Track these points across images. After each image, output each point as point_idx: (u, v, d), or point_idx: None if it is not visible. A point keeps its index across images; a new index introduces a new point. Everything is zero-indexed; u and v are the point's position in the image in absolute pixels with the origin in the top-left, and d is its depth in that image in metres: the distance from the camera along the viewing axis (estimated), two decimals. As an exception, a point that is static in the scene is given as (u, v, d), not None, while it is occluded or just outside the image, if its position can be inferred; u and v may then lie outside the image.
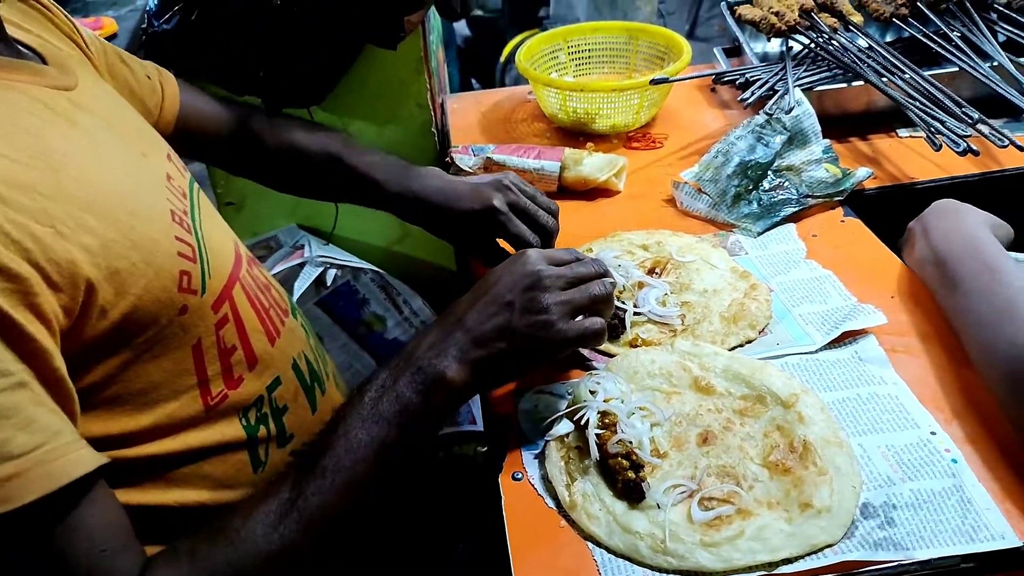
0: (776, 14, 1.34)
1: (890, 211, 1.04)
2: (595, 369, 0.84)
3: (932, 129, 1.08)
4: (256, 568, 0.60)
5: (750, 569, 0.64)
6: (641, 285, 0.94)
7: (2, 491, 0.50)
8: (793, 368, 0.82)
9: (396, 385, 0.67)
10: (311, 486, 0.63)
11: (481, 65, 3.30)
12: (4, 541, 0.53)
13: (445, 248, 1.37)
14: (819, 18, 1.32)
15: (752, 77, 1.27)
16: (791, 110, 1.15)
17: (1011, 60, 1.17)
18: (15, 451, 0.51)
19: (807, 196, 1.08)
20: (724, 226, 1.08)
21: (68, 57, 0.75)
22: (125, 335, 0.62)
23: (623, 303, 0.91)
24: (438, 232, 0.98)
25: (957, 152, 1.04)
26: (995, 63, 1.18)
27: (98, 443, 0.60)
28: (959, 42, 1.23)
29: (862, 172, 1.11)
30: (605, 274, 0.76)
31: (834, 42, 1.27)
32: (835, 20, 1.33)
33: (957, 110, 1.10)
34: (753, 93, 1.21)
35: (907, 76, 1.18)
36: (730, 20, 1.45)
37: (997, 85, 1.13)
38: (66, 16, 0.81)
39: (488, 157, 1.19)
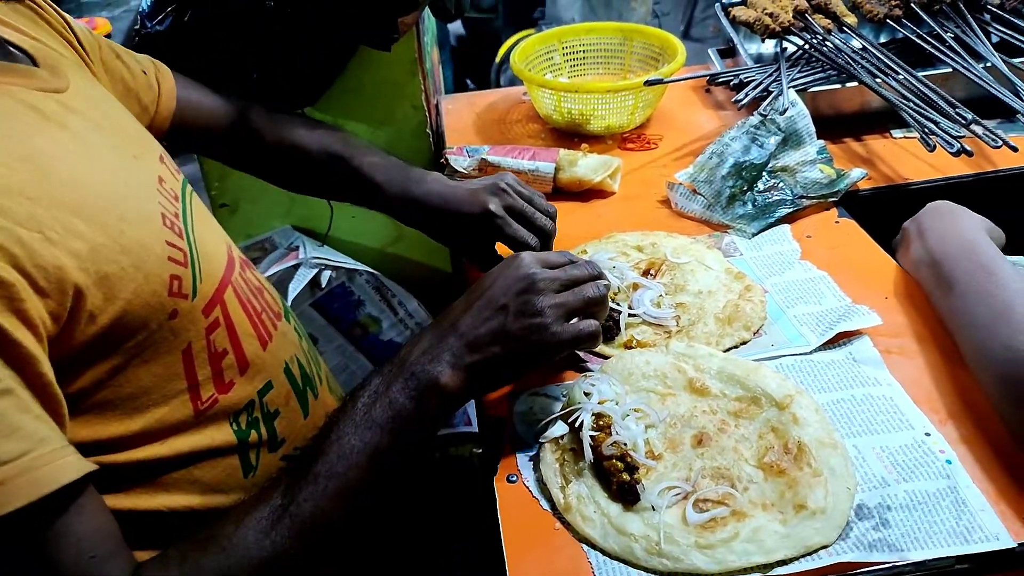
0: (770, 15, 1.34)
1: (884, 212, 1.04)
2: (590, 371, 0.84)
3: (926, 130, 1.08)
4: (247, 575, 0.60)
5: (745, 571, 0.64)
6: (636, 286, 0.94)
7: None
8: (788, 369, 0.82)
9: (389, 391, 0.67)
10: (303, 492, 0.62)
11: (476, 65, 3.29)
12: None
13: (440, 250, 1.37)
14: (813, 19, 1.33)
15: (746, 78, 1.27)
16: (785, 111, 1.15)
17: (1004, 61, 1.18)
18: (0, 458, 0.51)
19: (801, 197, 1.08)
20: (719, 227, 1.08)
21: (59, 58, 0.74)
22: (115, 340, 0.62)
23: (618, 305, 0.90)
24: (437, 236, 0.98)
25: (951, 153, 1.04)
26: (988, 64, 1.18)
27: (87, 448, 0.60)
28: (952, 43, 1.23)
29: (856, 173, 1.11)
30: (599, 276, 0.75)
31: (828, 43, 1.28)
32: (829, 21, 1.33)
33: (951, 111, 1.10)
34: (747, 94, 1.22)
35: (901, 77, 1.18)
36: (724, 21, 1.45)
37: (990, 86, 1.13)
38: (59, 14, 0.81)
39: (483, 158, 1.19)
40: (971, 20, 1.28)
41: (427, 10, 1.31)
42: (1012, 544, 0.62)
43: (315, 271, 1.37)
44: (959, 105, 1.10)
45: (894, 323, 0.87)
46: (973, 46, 1.22)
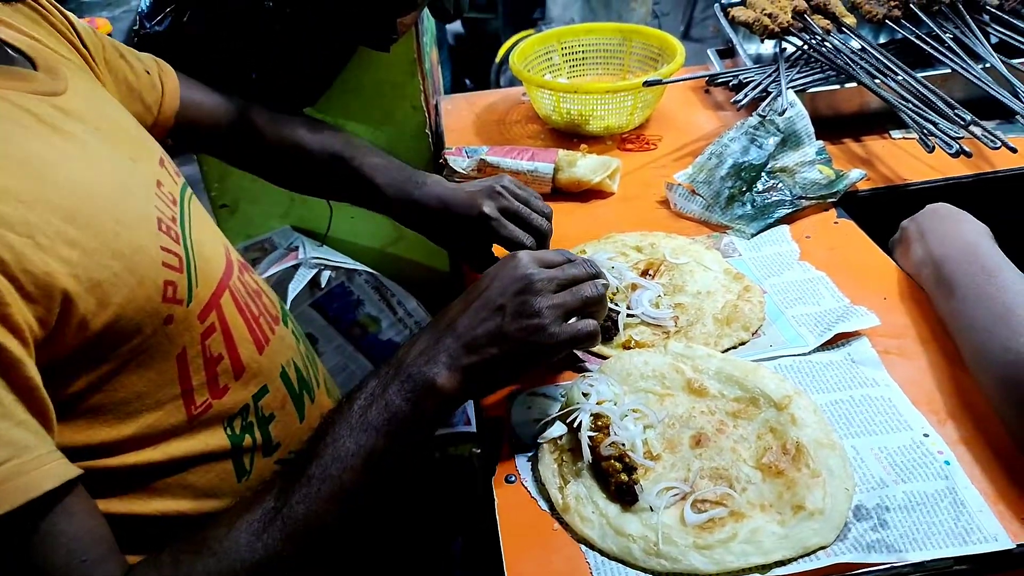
0: (769, 16, 1.34)
1: (883, 212, 1.04)
2: (588, 371, 0.84)
3: (925, 131, 1.08)
4: None
5: (743, 572, 0.64)
6: (634, 287, 0.94)
7: None
8: (786, 370, 0.82)
9: (386, 393, 0.67)
10: (297, 495, 0.62)
11: (476, 66, 3.30)
12: None
13: (439, 250, 1.37)
14: (812, 20, 1.33)
15: (745, 79, 1.27)
16: (784, 112, 1.15)
17: (1003, 62, 1.18)
18: None
19: (800, 198, 1.08)
20: (718, 227, 1.08)
21: (59, 60, 0.74)
22: (108, 345, 0.61)
23: (616, 305, 0.91)
24: (434, 238, 0.98)
25: (950, 154, 1.04)
26: (987, 65, 1.18)
27: (79, 453, 0.60)
28: (952, 44, 1.23)
29: (855, 174, 1.11)
30: (598, 275, 0.75)
31: (827, 44, 1.28)
32: (828, 22, 1.33)
33: (950, 112, 1.10)
34: (746, 95, 1.22)
35: (900, 78, 1.18)
36: (723, 22, 1.45)
37: (989, 87, 1.14)
38: (63, 14, 0.80)
39: (482, 159, 1.19)
40: (970, 21, 1.28)
41: (426, 10, 1.31)
42: (1010, 545, 0.62)
43: (314, 271, 1.38)
44: (958, 106, 1.10)
45: (892, 324, 0.87)
46: (972, 47, 1.22)
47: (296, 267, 1.37)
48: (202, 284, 0.71)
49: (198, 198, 0.83)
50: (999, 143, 1.04)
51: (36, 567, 0.54)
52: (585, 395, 0.76)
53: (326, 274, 1.39)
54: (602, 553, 0.67)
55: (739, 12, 1.40)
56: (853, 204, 1.10)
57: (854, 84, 1.20)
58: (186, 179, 0.82)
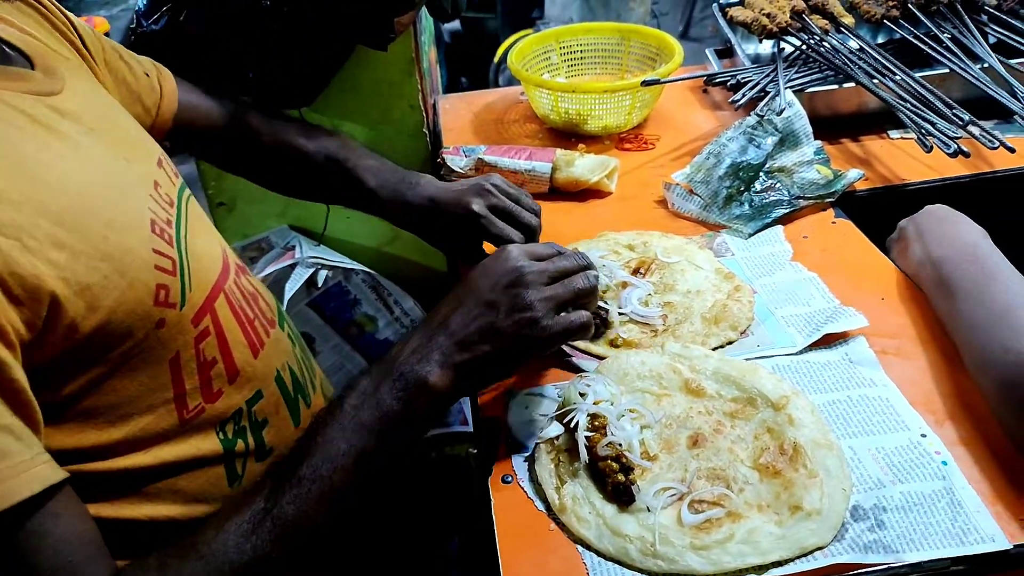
0: (767, 16, 1.34)
1: (881, 212, 1.04)
2: (573, 361, 0.84)
3: (923, 131, 1.08)
4: None
5: (740, 572, 0.64)
6: (625, 285, 0.95)
7: None
8: (783, 370, 0.82)
9: (377, 392, 0.66)
10: (287, 495, 0.62)
11: (473, 65, 3.29)
12: None
13: (436, 249, 1.37)
14: (810, 20, 1.33)
15: (744, 78, 1.27)
16: (782, 111, 1.15)
17: (1001, 62, 1.18)
18: None
19: (798, 197, 1.08)
20: (715, 227, 1.08)
21: (58, 59, 0.73)
22: (98, 349, 0.61)
23: (606, 303, 0.91)
24: (427, 238, 0.99)
25: (948, 154, 1.04)
26: (985, 65, 1.18)
27: (68, 456, 0.60)
28: (950, 44, 1.23)
29: (853, 174, 1.11)
30: (588, 266, 0.75)
31: (825, 44, 1.28)
32: (826, 22, 1.33)
33: (948, 112, 1.10)
34: (744, 95, 1.21)
35: (898, 78, 1.18)
36: (722, 22, 1.45)
37: (987, 87, 1.13)
38: (64, 15, 0.80)
39: (479, 158, 1.19)
40: (968, 21, 1.28)
41: (424, 10, 1.31)
42: (1008, 546, 0.62)
43: (311, 270, 1.37)
44: (956, 106, 1.10)
45: (890, 324, 0.87)
46: (970, 47, 1.22)
47: (293, 266, 1.37)
48: (196, 288, 0.71)
49: (195, 196, 0.82)
50: (997, 143, 1.04)
51: (21, 569, 0.53)
52: (582, 395, 0.75)
53: (323, 273, 1.39)
54: (599, 554, 0.67)
55: (737, 12, 1.40)
56: (851, 204, 1.10)
57: (852, 84, 1.20)
58: (184, 178, 0.81)
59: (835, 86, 1.23)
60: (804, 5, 1.35)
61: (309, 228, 1.44)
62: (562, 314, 0.71)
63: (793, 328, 0.88)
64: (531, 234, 0.93)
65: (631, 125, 1.33)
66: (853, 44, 1.29)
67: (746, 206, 1.08)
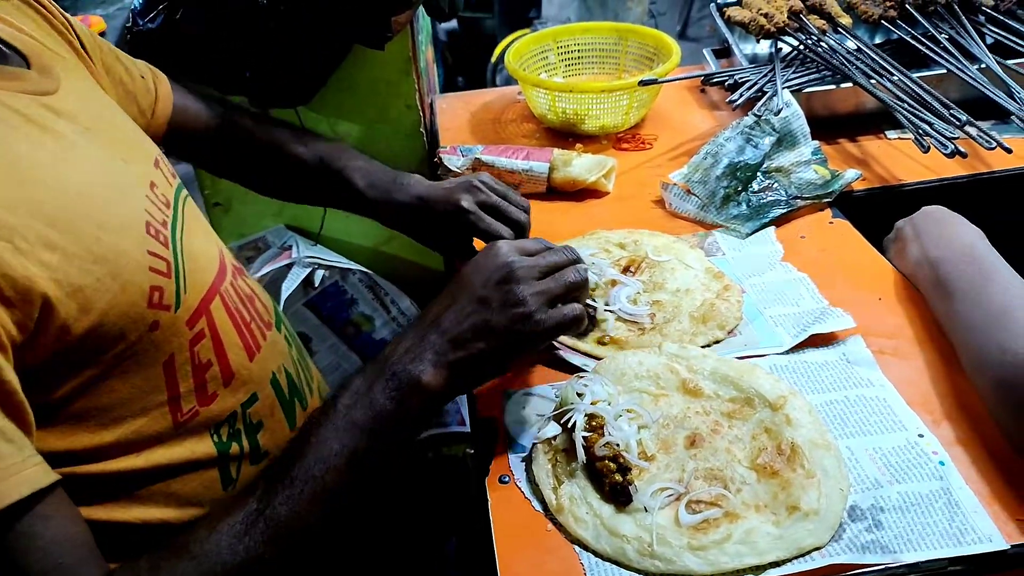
0: (765, 16, 1.34)
1: (878, 213, 1.04)
2: (579, 371, 0.84)
3: (920, 131, 1.08)
4: None
5: (738, 573, 0.64)
6: (614, 283, 0.95)
7: None
8: (781, 371, 0.82)
9: (370, 392, 0.66)
10: (279, 496, 0.61)
11: (470, 64, 3.29)
12: None
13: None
14: (808, 20, 1.33)
15: (741, 78, 1.27)
16: (780, 112, 1.15)
17: (998, 62, 1.18)
18: None
19: (796, 198, 1.08)
20: (711, 226, 1.08)
21: (54, 58, 0.73)
22: (91, 351, 0.60)
23: (594, 300, 0.91)
24: (417, 237, 0.99)
25: (945, 154, 1.04)
26: (983, 65, 1.19)
27: (61, 458, 0.59)
28: (947, 44, 1.23)
29: (851, 174, 1.11)
30: (577, 260, 0.75)
31: (823, 44, 1.28)
32: (824, 22, 1.33)
33: (945, 112, 1.10)
34: (742, 95, 1.21)
35: (895, 78, 1.18)
36: (719, 21, 1.45)
37: (985, 87, 1.14)
38: (63, 15, 0.80)
39: (477, 158, 1.19)
40: (965, 21, 1.28)
41: (421, 9, 1.31)
42: (1005, 546, 0.62)
43: (308, 270, 1.37)
44: (953, 106, 1.10)
45: (887, 324, 0.87)
46: (967, 47, 1.22)
47: (289, 266, 1.36)
48: (191, 289, 0.70)
49: (191, 196, 0.82)
50: (994, 143, 1.04)
51: (12, 571, 0.53)
52: (579, 395, 0.75)
53: (320, 273, 1.39)
54: (596, 554, 0.67)
55: (735, 12, 1.40)
56: (848, 204, 1.10)
57: (850, 84, 1.20)
58: (180, 179, 0.81)
59: (832, 86, 1.23)
60: (802, 5, 1.35)
61: (305, 228, 1.44)
62: (555, 308, 0.71)
63: (781, 328, 0.88)
64: (520, 230, 0.93)
65: (628, 125, 1.33)
66: (851, 44, 1.29)
67: (743, 206, 1.08)
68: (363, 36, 1.16)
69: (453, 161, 1.20)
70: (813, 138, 1.16)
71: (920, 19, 1.29)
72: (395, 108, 1.33)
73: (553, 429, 0.75)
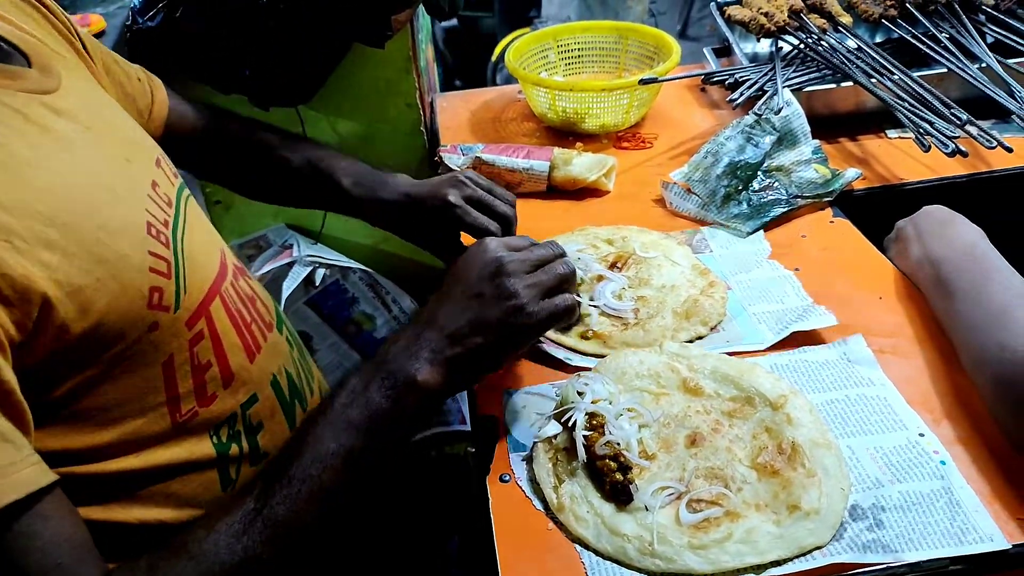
0: (765, 15, 1.34)
1: (879, 212, 1.04)
2: (565, 366, 0.84)
3: (921, 130, 1.08)
4: None
5: (738, 572, 0.64)
6: (600, 279, 0.95)
7: None
8: (782, 369, 0.82)
9: (367, 391, 0.66)
10: (277, 496, 0.61)
11: (470, 63, 3.29)
12: None
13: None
14: (808, 19, 1.32)
15: (741, 77, 1.27)
16: (780, 111, 1.15)
17: (999, 62, 1.18)
18: None
19: (796, 196, 1.08)
20: (696, 224, 1.09)
21: (55, 58, 0.73)
22: (90, 351, 0.60)
23: (579, 295, 0.91)
24: (405, 234, 1.00)
25: (946, 153, 1.04)
26: (983, 64, 1.18)
27: (59, 457, 0.59)
28: (948, 43, 1.23)
29: (851, 173, 1.11)
30: (563, 254, 0.76)
31: (823, 43, 1.28)
32: (824, 21, 1.33)
33: (946, 111, 1.10)
34: (742, 94, 1.21)
35: (896, 77, 1.18)
36: (719, 20, 1.45)
37: (985, 86, 1.13)
38: (64, 15, 0.80)
39: (477, 156, 1.19)
40: (966, 20, 1.28)
41: (421, 7, 1.31)
42: (1006, 545, 0.62)
43: (309, 269, 1.37)
44: (954, 105, 1.10)
45: (888, 323, 0.87)
46: (968, 46, 1.22)
47: (290, 265, 1.36)
48: (191, 290, 0.70)
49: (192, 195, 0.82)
50: (995, 143, 1.04)
51: (10, 572, 0.53)
52: (580, 394, 0.75)
53: (320, 272, 1.39)
54: (597, 553, 0.67)
55: (735, 11, 1.40)
56: (849, 203, 1.10)
57: (850, 83, 1.20)
58: (182, 180, 0.81)
59: (833, 85, 1.23)
60: (802, 4, 1.35)
61: (306, 227, 1.44)
62: (547, 299, 0.72)
63: (764, 325, 0.88)
64: (507, 224, 0.94)
65: (629, 124, 1.33)
66: (851, 43, 1.29)
67: (744, 205, 1.08)
68: (363, 34, 1.16)
69: (453, 160, 1.20)
70: (814, 137, 1.16)
71: (921, 18, 1.29)
72: (395, 107, 1.33)
73: (554, 428, 0.75)
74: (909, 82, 1.16)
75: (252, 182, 1.06)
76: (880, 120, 1.24)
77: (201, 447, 0.71)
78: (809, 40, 1.28)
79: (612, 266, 0.98)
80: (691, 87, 1.47)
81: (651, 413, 0.76)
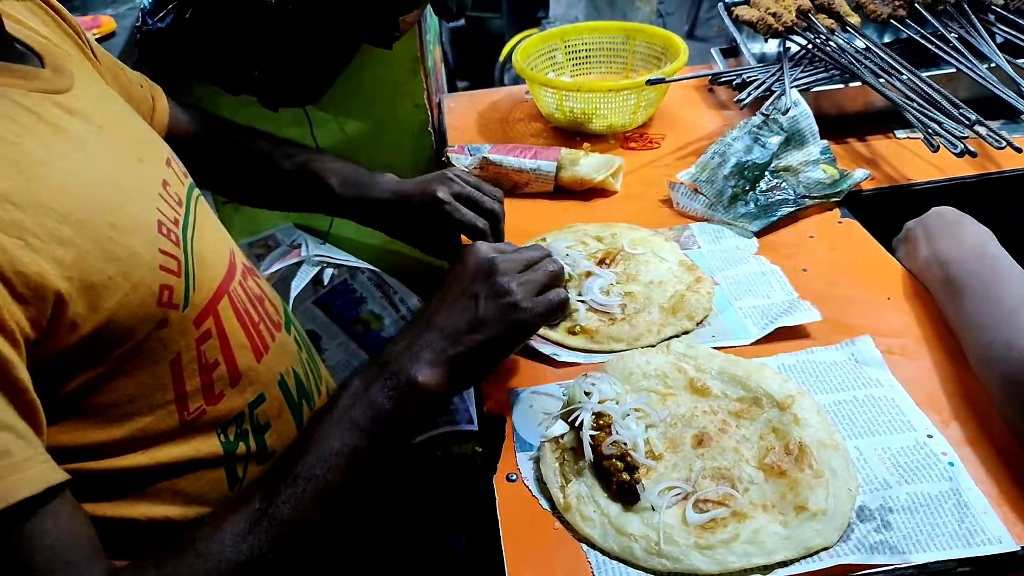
0: (773, 15, 1.34)
1: (887, 212, 1.04)
2: (543, 358, 0.85)
3: (929, 130, 1.08)
4: None
5: (745, 572, 0.63)
6: (589, 275, 0.96)
7: None
8: (789, 370, 0.82)
9: (369, 392, 0.67)
10: (282, 495, 0.62)
11: (477, 64, 3.29)
12: None
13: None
14: (816, 19, 1.32)
15: (749, 78, 1.27)
16: (788, 111, 1.15)
17: (1008, 61, 1.17)
18: None
19: (804, 197, 1.08)
20: (682, 220, 1.10)
21: (66, 58, 0.73)
22: (100, 348, 0.61)
23: (567, 291, 0.92)
24: (394, 233, 1.01)
25: (954, 153, 1.04)
26: (992, 64, 1.18)
27: (66, 454, 0.59)
28: (956, 43, 1.22)
29: (859, 173, 1.10)
30: (549, 255, 0.78)
31: (831, 43, 1.27)
32: (832, 21, 1.33)
33: (954, 111, 1.09)
34: (750, 94, 1.21)
35: (904, 77, 1.17)
36: (727, 21, 1.45)
37: (994, 86, 1.13)
38: (74, 21, 0.81)
39: (484, 157, 1.19)
40: (975, 20, 1.27)
41: (429, 8, 1.31)
42: (1015, 547, 0.62)
43: (317, 269, 1.38)
44: (963, 105, 1.10)
45: (896, 323, 0.87)
46: (977, 46, 1.22)
47: (299, 264, 1.37)
48: (199, 289, 0.70)
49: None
50: (1004, 143, 1.04)
51: (18, 568, 0.53)
52: (587, 394, 0.75)
53: (329, 271, 1.39)
54: (603, 552, 0.67)
55: (743, 11, 1.40)
56: (857, 204, 1.09)
57: (858, 83, 1.20)
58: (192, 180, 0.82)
59: (841, 85, 1.22)
60: (810, 4, 1.35)
61: (315, 226, 1.44)
62: (540, 295, 0.73)
63: (750, 320, 0.89)
64: (495, 220, 0.95)
65: (636, 124, 1.33)
66: (859, 43, 1.28)
67: (751, 205, 1.08)
68: (371, 35, 1.16)
69: (461, 160, 1.20)
70: (822, 137, 1.16)
71: (929, 18, 1.29)
72: (403, 107, 1.33)
73: (560, 428, 0.75)
74: (918, 82, 1.16)
75: (246, 188, 1.08)
76: (888, 120, 1.24)
77: (208, 445, 0.72)
78: (817, 40, 1.28)
79: (600, 262, 0.99)
80: (699, 87, 1.47)
81: (658, 413, 0.76)
